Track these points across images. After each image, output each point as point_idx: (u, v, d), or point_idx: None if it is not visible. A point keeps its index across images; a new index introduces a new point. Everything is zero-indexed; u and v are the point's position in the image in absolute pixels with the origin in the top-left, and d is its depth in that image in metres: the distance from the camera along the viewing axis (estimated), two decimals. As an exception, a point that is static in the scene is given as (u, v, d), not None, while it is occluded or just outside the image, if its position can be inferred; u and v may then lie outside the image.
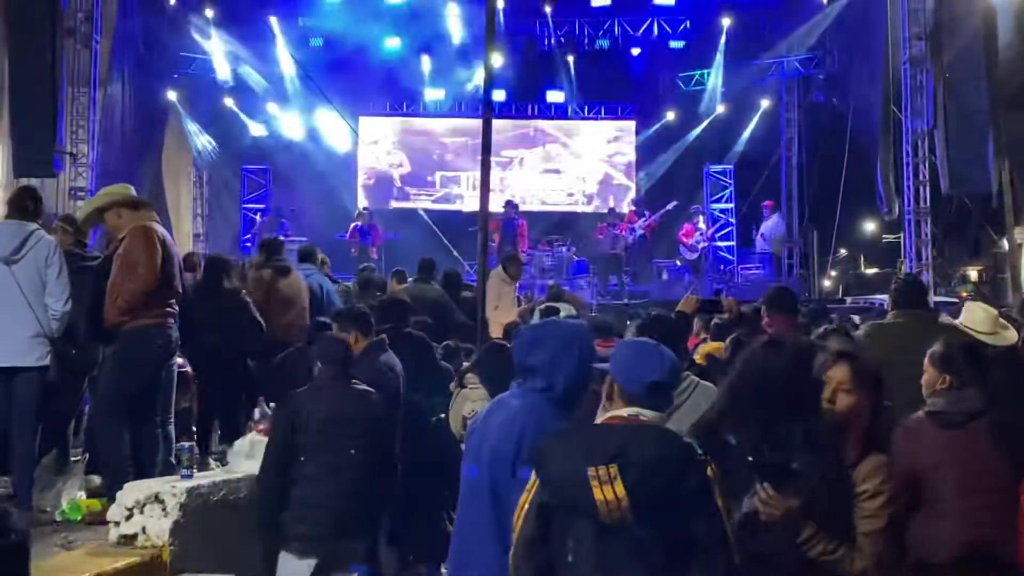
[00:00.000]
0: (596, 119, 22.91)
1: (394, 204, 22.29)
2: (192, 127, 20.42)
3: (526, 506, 2.90)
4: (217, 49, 19.71)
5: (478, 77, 19.63)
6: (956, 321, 5.31)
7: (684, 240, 18.66)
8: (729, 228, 21.28)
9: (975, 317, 5.22)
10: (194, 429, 7.64)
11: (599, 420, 3.00)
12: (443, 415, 5.87)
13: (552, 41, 21.26)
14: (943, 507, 3.65)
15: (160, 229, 5.89)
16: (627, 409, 2.92)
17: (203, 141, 20.77)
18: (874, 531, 3.05)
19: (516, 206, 18.52)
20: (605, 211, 19.97)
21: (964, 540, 3.59)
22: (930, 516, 3.67)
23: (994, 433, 3.63)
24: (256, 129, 20.80)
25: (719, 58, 20.74)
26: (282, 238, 16.96)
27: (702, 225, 19.13)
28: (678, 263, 19.19)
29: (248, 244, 19.03)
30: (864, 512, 3.09)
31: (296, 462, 4.80)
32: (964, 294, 14.23)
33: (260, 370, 7.71)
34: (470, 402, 5.57)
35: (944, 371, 3.85)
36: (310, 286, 8.93)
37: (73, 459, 6.34)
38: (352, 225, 18.47)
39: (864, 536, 3.05)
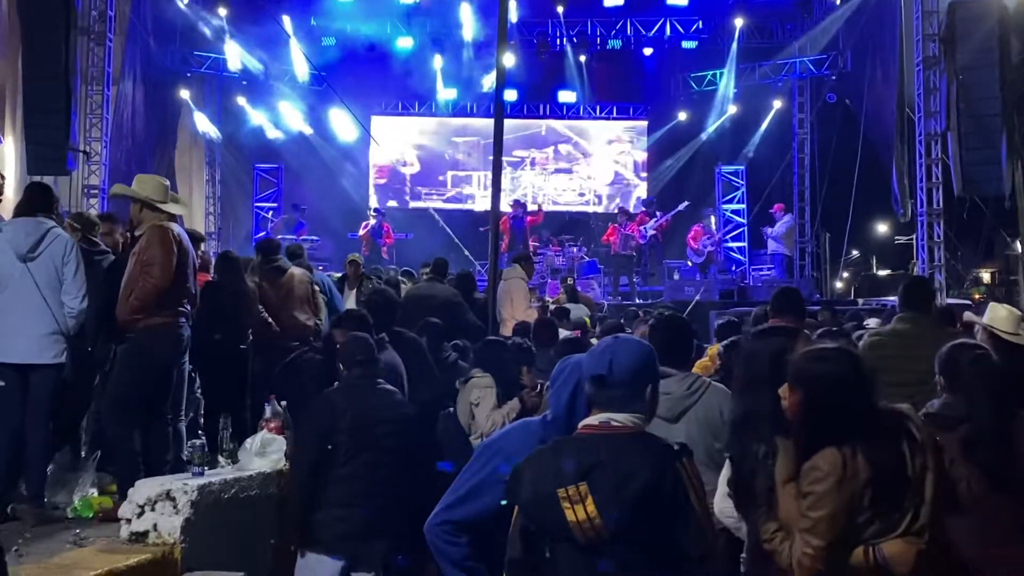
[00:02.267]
0: (608, 119, 22.94)
1: (406, 204, 22.33)
2: (205, 125, 20.48)
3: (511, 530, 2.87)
4: (230, 48, 19.77)
5: (490, 77, 19.64)
6: (983, 320, 5.29)
7: (691, 243, 18.62)
8: (741, 229, 21.26)
9: (998, 316, 5.21)
10: (202, 427, 7.67)
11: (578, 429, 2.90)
12: (451, 408, 5.89)
13: (564, 41, 21.27)
14: (946, 510, 3.65)
15: (176, 228, 5.91)
16: (598, 416, 2.82)
17: (215, 138, 20.86)
18: (802, 530, 2.94)
19: (524, 205, 18.56)
20: (616, 211, 19.97)
21: (967, 541, 3.58)
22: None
23: (966, 442, 3.63)
24: (268, 128, 20.84)
25: (731, 59, 20.73)
26: (280, 237, 17.17)
27: (712, 227, 19.09)
28: (689, 264, 19.18)
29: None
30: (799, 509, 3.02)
31: (330, 462, 4.80)
32: (977, 296, 14.19)
33: (268, 369, 7.72)
34: (476, 389, 5.69)
35: (940, 373, 3.89)
36: (320, 285, 8.97)
37: (85, 456, 6.35)
38: (364, 225, 18.51)
39: (798, 532, 2.98)
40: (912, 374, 4.52)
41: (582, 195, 22.92)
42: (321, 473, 4.77)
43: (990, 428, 3.63)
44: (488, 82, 20.49)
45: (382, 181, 22.67)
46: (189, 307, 5.98)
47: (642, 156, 22.79)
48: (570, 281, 13.48)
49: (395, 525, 4.82)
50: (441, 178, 22.76)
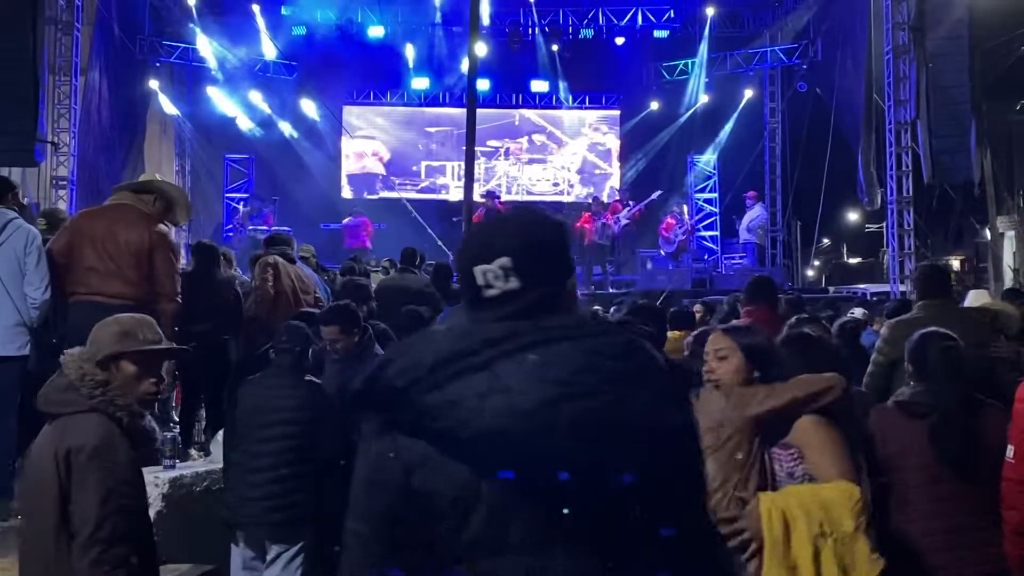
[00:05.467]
0: (580, 108, 22.92)
1: (379, 194, 22.26)
2: (174, 115, 20.33)
3: None
4: (199, 38, 19.60)
5: (463, 66, 19.58)
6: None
7: (664, 233, 18.67)
8: (713, 218, 21.34)
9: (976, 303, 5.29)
10: (176, 419, 7.61)
11: None
12: None
13: (536, 30, 21.23)
14: (910, 495, 3.69)
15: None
16: None
17: (185, 129, 20.71)
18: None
19: (497, 196, 18.54)
20: (590, 201, 19.98)
21: (933, 527, 3.62)
22: (899, 504, 3.71)
23: (933, 430, 3.67)
24: (239, 118, 20.68)
25: (703, 48, 20.77)
26: (253, 228, 17.01)
27: (684, 216, 19.14)
28: (663, 253, 19.23)
29: (230, 233, 18.94)
30: None
31: (231, 446, 4.91)
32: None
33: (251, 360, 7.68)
34: None
35: (908, 360, 3.92)
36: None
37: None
38: (345, 220, 18.57)
39: None
40: None
41: (556, 184, 22.91)
42: (227, 456, 4.98)
43: (956, 417, 3.67)
44: (461, 72, 20.42)
45: (355, 171, 22.55)
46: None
47: (615, 145, 22.81)
48: None
49: (289, 519, 4.81)
50: (415, 168, 22.68)
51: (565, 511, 1.63)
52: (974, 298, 5.57)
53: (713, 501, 3.17)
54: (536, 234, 1.83)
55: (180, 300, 6.06)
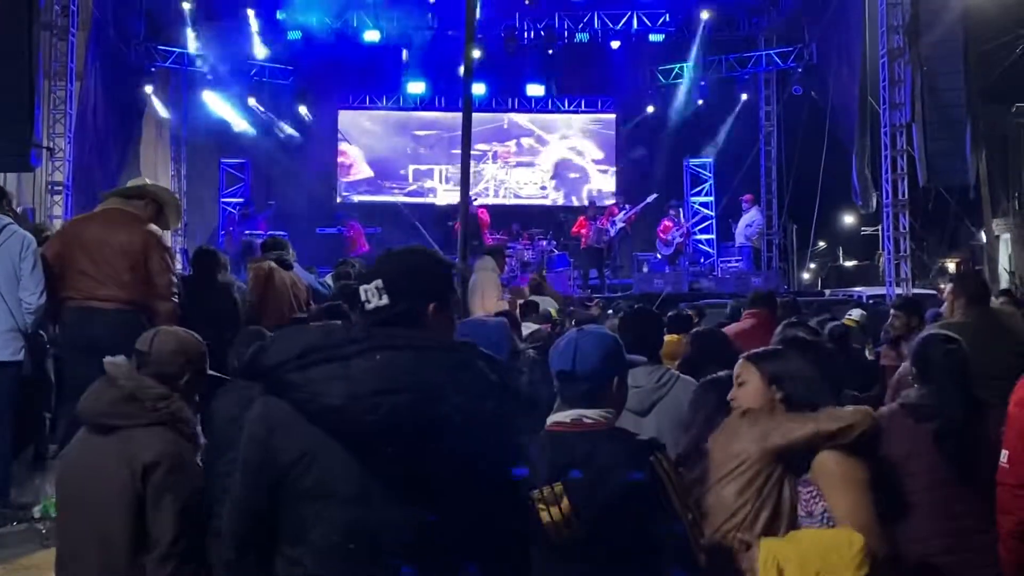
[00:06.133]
0: (576, 112, 22.97)
1: (369, 197, 22.27)
2: (170, 120, 20.31)
3: None
4: (194, 42, 19.59)
5: (458, 70, 19.58)
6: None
7: (661, 236, 18.69)
8: (709, 221, 21.35)
9: None
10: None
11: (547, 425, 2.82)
12: None
13: (531, 35, 21.23)
14: (915, 498, 3.68)
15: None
16: (569, 413, 2.75)
17: (180, 134, 20.69)
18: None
19: (472, 198, 18.56)
20: (585, 205, 19.99)
21: (937, 530, 3.62)
22: (904, 507, 3.70)
23: (937, 434, 3.66)
24: (234, 122, 20.67)
25: (698, 51, 20.78)
26: (247, 233, 16.96)
27: (681, 218, 19.16)
28: (658, 256, 19.24)
29: (223, 237, 18.95)
30: None
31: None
32: (942, 286, 14.31)
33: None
34: None
35: (912, 364, 3.91)
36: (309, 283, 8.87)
37: (52, 456, 6.28)
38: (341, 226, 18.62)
39: None
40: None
41: (543, 188, 22.94)
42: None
43: (961, 420, 3.66)
44: (457, 75, 20.42)
45: (348, 174, 22.57)
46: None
47: (610, 149, 22.82)
48: (534, 275, 13.38)
49: None
50: (403, 172, 22.71)
51: (384, 474, 2.07)
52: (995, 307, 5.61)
53: (720, 533, 3.10)
54: (407, 261, 2.33)
55: (177, 300, 6.03)
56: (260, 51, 20.34)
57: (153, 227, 6.05)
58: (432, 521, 2.06)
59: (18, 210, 6.51)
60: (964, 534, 3.59)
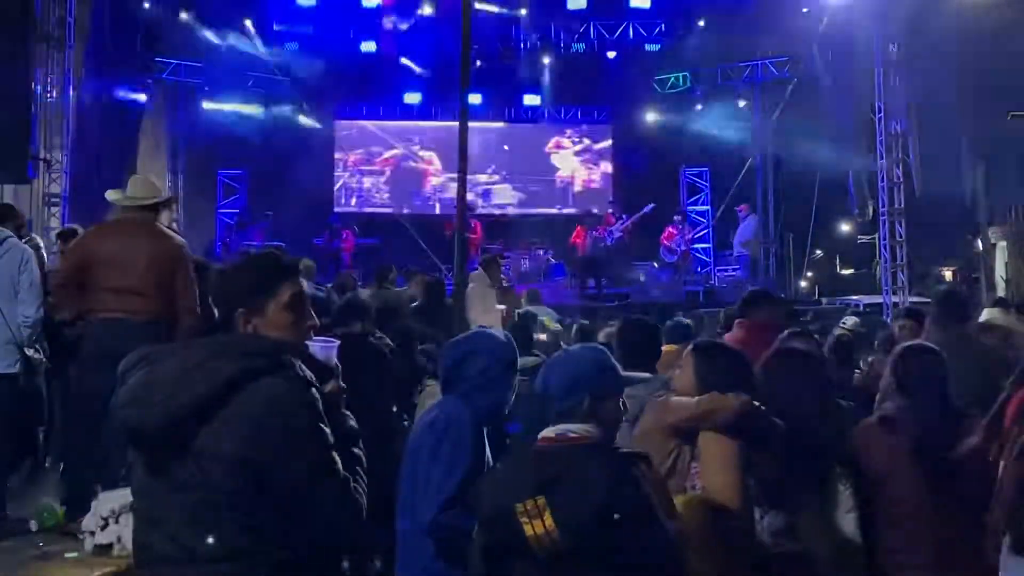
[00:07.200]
0: (572, 122, 22.98)
1: (368, 208, 22.29)
2: (167, 131, 20.32)
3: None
4: (191, 53, 19.60)
5: (454, 80, 19.60)
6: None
7: (665, 243, 18.74)
8: (705, 230, 21.37)
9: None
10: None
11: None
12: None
13: (528, 44, 21.27)
14: (896, 510, 3.68)
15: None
16: (555, 428, 2.79)
17: (177, 145, 20.70)
18: None
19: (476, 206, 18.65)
20: (582, 214, 20.01)
21: (919, 542, 3.61)
22: (886, 520, 3.69)
23: (915, 446, 3.67)
24: (232, 134, 20.67)
25: (694, 61, 20.81)
26: (252, 244, 16.97)
27: (685, 228, 19.21)
28: (656, 265, 19.26)
29: (219, 248, 18.98)
30: None
31: None
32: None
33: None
34: (431, 399, 5.65)
35: (891, 375, 3.91)
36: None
37: (48, 468, 6.28)
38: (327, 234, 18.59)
39: None
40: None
41: (540, 197, 22.93)
42: None
43: (939, 431, 3.67)
44: (452, 86, 20.44)
45: (346, 186, 22.58)
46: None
47: (607, 158, 22.85)
48: (530, 290, 13.35)
49: None
50: (400, 182, 22.73)
51: (170, 465, 2.36)
52: (988, 316, 5.58)
53: None
54: (225, 273, 2.78)
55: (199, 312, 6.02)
56: (257, 62, 20.35)
57: (179, 239, 6.05)
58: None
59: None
60: (947, 545, 3.59)
